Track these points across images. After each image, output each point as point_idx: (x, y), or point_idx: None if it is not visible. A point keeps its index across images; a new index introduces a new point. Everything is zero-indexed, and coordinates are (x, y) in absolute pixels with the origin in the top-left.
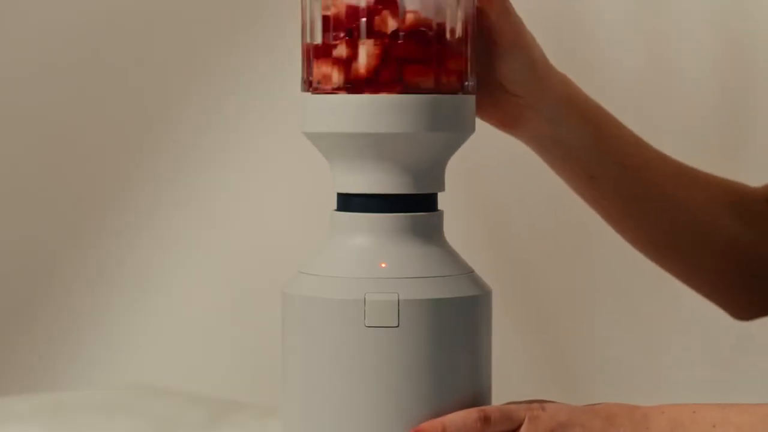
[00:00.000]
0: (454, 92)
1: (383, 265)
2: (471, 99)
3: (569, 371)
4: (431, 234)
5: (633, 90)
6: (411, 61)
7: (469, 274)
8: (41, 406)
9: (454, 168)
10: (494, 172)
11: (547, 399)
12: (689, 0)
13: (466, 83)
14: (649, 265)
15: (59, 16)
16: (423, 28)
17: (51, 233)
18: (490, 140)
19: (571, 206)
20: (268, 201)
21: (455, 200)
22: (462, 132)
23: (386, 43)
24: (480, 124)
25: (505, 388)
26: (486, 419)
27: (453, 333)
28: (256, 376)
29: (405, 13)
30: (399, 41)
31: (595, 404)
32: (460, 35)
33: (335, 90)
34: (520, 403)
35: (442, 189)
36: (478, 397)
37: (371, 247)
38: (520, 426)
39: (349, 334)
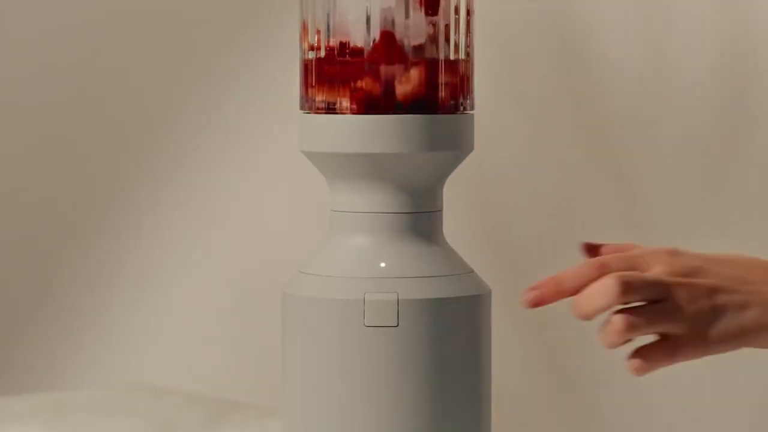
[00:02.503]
0: (452, 111)
1: (383, 265)
2: (469, 118)
3: (569, 371)
4: (431, 233)
5: (633, 90)
6: (408, 82)
7: (468, 273)
8: (41, 406)
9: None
10: (494, 172)
11: (548, 407)
12: (689, 0)
13: (464, 102)
14: None
15: (59, 16)
16: (422, 49)
17: (51, 233)
18: (490, 140)
19: (571, 206)
20: (268, 201)
21: (455, 200)
22: (460, 151)
23: (384, 65)
24: (479, 122)
25: (505, 387)
26: (603, 265)
27: (452, 333)
28: (256, 376)
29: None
30: (398, 63)
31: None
32: (458, 55)
33: (331, 110)
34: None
35: (440, 207)
36: (477, 396)
37: (371, 246)
38: (645, 270)
39: (348, 334)
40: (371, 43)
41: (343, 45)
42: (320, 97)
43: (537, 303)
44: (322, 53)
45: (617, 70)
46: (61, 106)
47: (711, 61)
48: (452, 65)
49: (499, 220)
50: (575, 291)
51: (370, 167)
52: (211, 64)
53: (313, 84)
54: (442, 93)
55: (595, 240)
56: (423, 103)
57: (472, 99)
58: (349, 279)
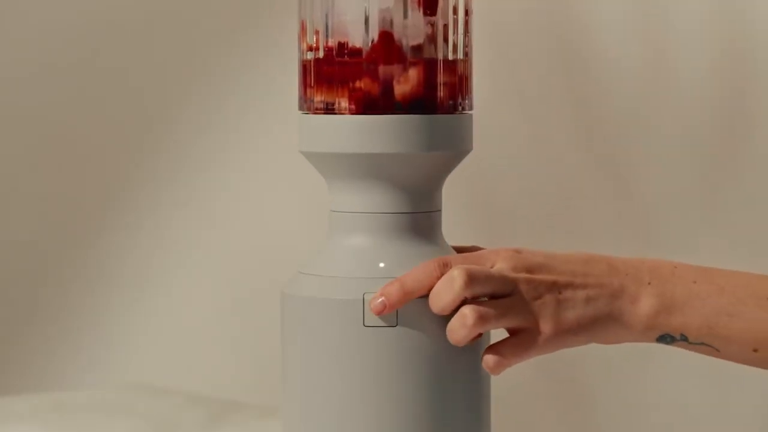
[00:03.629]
0: (451, 111)
1: (382, 265)
2: (468, 118)
3: (568, 371)
4: (430, 233)
5: (632, 90)
6: (407, 82)
7: None
8: (41, 406)
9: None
10: (493, 172)
11: (547, 407)
12: (688, 0)
13: (463, 102)
14: None
15: (59, 17)
16: (421, 50)
17: (51, 233)
18: (489, 140)
19: (570, 206)
20: (268, 201)
21: (455, 200)
22: (459, 151)
23: (383, 65)
24: (478, 122)
25: (504, 386)
26: (444, 264)
27: None
28: (256, 376)
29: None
30: (396, 63)
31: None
32: (456, 55)
33: (330, 111)
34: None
35: (440, 207)
36: (477, 396)
37: (370, 246)
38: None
39: (348, 334)
40: (370, 44)
41: (341, 45)
42: (319, 98)
43: (382, 310)
44: (321, 53)
45: (616, 70)
46: (61, 106)
47: (710, 61)
48: (451, 65)
49: (498, 219)
50: (421, 291)
51: (369, 167)
52: (211, 65)
53: (312, 84)
54: (441, 93)
55: (596, 239)
56: (422, 103)
57: (470, 99)
58: (348, 279)
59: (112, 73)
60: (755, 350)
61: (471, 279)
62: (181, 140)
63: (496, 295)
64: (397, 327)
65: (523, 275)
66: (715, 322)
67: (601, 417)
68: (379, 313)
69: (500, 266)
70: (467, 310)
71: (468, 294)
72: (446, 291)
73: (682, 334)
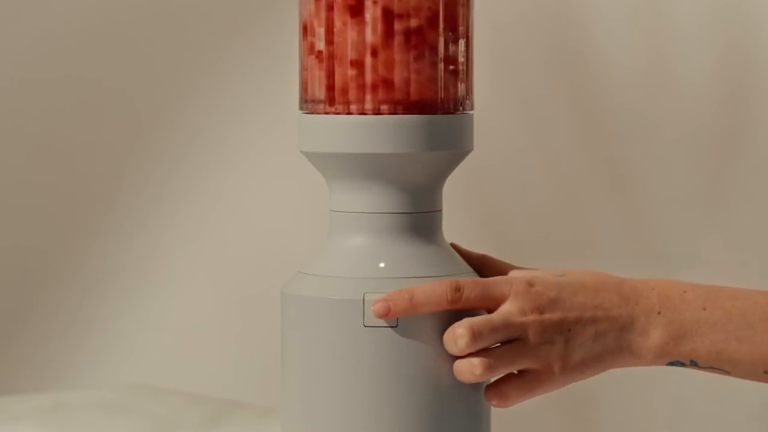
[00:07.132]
0: (451, 111)
1: (382, 265)
2: (468, 118)
3: None
4: (431, 233)
5: (633, 90)
6: (407, 81)
7: (467, 273)
8: (41, 406)
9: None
10: (494, 172)
11: (546, 404)
12: (689, 0)
13: (464, 102)
14: (649, 268)
15: (59, 19)
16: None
17: (51, 235)
18: (490, 140)
19: (572, 206)
20: (268, 201)
21: (455, 200)
22: (459, 151)
23: (383, 63)
24: (478, 121)
25: None
26: (457, 288)
27: None
28: (256, 376)
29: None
30: (397, 63)
31: (579, 273)
32: (458, 54)
33: (330, 111)
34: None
35: (440, 207)
36: (477, 397)
37: (370, 246)
38: (500, 301)
39: (347, 334)
40: (370, 44)
41: (342, 45)
42: (319, 98)
43: (385, 314)
44: (321, 53)
45: (616, 70)
46: (60, 110)
47: (711, 61)
48: (451, 65)
49: (498, 219)
50: (427, 308)
51: (369, 167)
52: (210, 65)
53: (312, 84)
54: (442, 93)
55: (596, 239)
56: (422, 103)
57: (471, 99)
58: (348, 279)
59: (111, 74)
60: (766, 372)
61: (475, 337)
62: (181, 140)
63: (504, 341)
64: (397, 327)
65: (532, 318)
66: (724, 348)
67: (601, 417)
68: (380, 317)
69: (510, 308)
70: (476, 361)
71: (473, 350)
72: (452, 347)
73: (691, 360)
